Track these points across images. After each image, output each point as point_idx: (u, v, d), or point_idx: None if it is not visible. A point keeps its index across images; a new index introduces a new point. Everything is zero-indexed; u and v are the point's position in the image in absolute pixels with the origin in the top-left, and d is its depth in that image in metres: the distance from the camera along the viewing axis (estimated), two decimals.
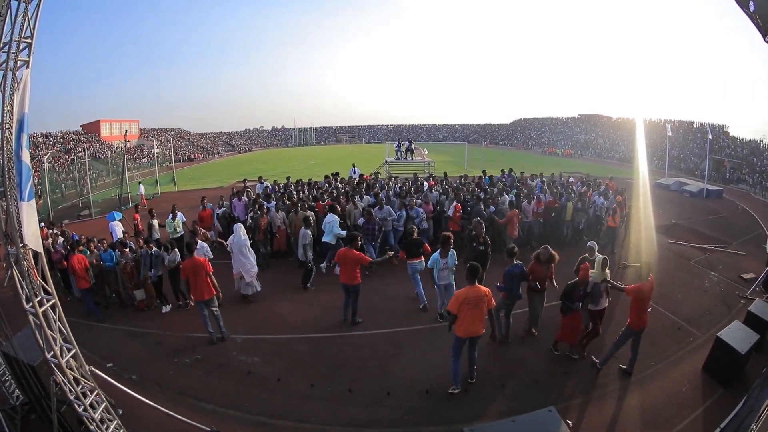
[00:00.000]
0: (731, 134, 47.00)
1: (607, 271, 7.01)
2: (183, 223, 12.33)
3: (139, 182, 24.91)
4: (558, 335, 7.44)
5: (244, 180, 17.24)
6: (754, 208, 23.72)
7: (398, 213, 11.30)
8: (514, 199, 12.87)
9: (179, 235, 11.98)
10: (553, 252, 7.56)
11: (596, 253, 7.59)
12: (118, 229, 12.73)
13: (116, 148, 52.77)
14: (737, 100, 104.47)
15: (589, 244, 8.35)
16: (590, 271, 6.94)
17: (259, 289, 9.64)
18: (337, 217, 10.29)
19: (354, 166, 19.57)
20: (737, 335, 6.77)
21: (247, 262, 9.29)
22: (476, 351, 6.45)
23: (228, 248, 9.53)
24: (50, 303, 4.52)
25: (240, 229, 9.47)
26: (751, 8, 6.80)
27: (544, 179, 16.30)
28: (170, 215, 12.25)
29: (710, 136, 34.10)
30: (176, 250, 9.24)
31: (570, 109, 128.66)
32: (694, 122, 52.94)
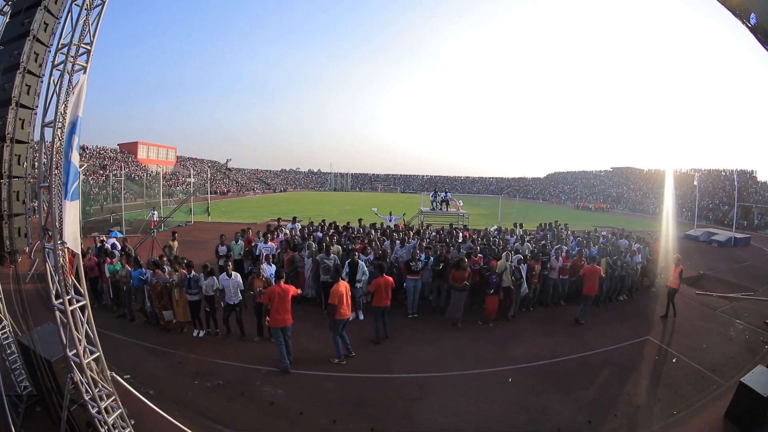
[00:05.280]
0: (759, 179, 46.73)
1: (508, 263, 10.23)
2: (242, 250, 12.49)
3: (153, 208, 25.67)
4: (483, 312, 10.30)
5: (278, 219, 17.55)
6: None
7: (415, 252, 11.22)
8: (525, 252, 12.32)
9: (239, 258, 12.25)
10: (464, 259, 10.03)
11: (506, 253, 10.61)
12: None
13: (152, 171, 54.62)
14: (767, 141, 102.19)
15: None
16: (500, 262, 10.30)
17: None
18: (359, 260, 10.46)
19: (390, 213, 19.71)
20: (760, 379, 6.61)
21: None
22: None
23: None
24: (80, 304, 4.57)
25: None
26: (752, 22, 6.83)
27: (578, 236, 15.89)
28: (235, 240, 12.56)
29: (737, 184, 34.09)
30: (214, 277, 9.13)
31: (603, 162, 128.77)
32: (722, 170, 52.41)
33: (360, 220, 16.16)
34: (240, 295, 9.03)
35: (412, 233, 13.60)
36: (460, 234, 15.08)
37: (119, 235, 15.55)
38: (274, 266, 10.08)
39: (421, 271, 10.66)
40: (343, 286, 8.11)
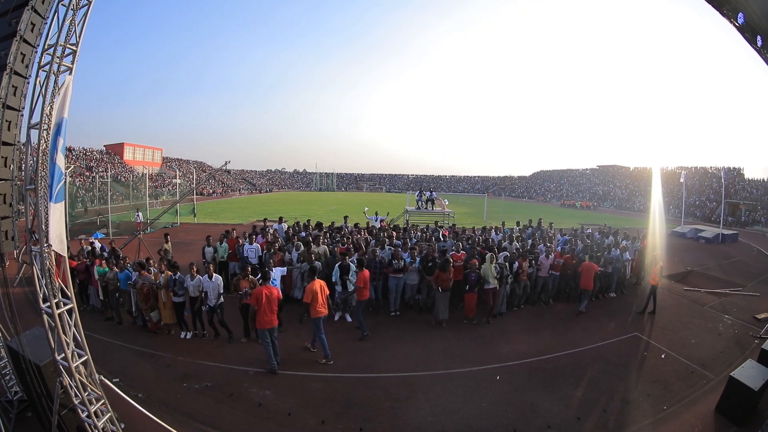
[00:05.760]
0: (746, 176, 47.28)
1: (492, 265, 10.06)
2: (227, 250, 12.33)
3: (137, 209, 25.42)
4: (465, 311, 10.39)
5: (264, 219, 17.42)
6: None
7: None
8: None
9: (224, 260, 12.11)
10: (449, 259, 10.13)
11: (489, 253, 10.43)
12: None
13: (138, 173, 54.05)
14: (753, 139, 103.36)
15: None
16: (483, 265, 10.16)
17: None
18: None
19: (376, 213, 19.75)
20: (750, 373, 6.76)
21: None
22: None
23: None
24: (67, 307, 4.54)
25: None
26: (740, 21, 6.96)
27: (566, 234, 16.03)
28: (220, 241, 12.37)
29: (724, 181, 34.32)
30: (200, 277, 9.06)
31: (589, 161, 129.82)
32: (709, 168, 53.13)
33: (346, 223, 16.10)
34: (221, 298, 9.00)
35: (395, 234, 13.36)
36: (440, 232, 15.05)
37: (101, 236, 15.33)
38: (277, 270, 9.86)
39: (405, 271, 10.67)
40: (318, 284, 8.12)
